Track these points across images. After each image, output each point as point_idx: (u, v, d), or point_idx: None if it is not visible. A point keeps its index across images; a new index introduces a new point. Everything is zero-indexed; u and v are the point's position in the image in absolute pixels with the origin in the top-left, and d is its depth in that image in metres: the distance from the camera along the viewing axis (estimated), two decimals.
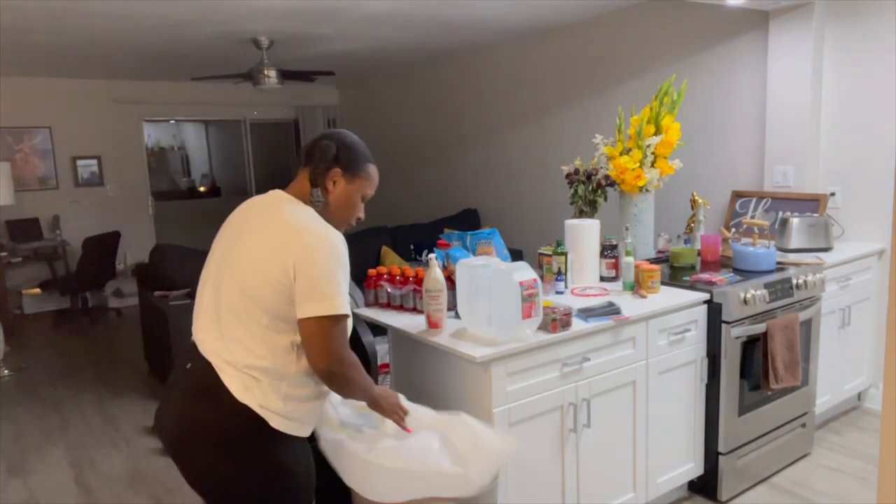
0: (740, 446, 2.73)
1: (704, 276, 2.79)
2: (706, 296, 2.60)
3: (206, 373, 1.56)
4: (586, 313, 2.27)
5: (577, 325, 2.20)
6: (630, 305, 2.42)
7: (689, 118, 4.11)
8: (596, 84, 4.95)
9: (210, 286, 1.64)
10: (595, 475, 2.33)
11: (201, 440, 1.55)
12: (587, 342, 2.22)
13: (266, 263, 1.54)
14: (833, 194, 3.57)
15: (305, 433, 1.64)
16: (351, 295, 5.67)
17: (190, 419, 1.57)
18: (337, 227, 1.66)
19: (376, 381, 2.40)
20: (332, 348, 1.53)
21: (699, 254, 3.16)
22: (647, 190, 3.13)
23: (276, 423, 1.55)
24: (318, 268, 1.52)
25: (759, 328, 2.65)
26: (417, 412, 1.85)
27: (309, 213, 1.61)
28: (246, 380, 1.54)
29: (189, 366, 1.62)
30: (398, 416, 1.78)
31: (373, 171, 1.72)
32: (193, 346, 1.64)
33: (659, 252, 3.34)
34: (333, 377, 1.57)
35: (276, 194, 1.67)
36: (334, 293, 1.52)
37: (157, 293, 4.36)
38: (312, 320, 1.51)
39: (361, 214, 1.74)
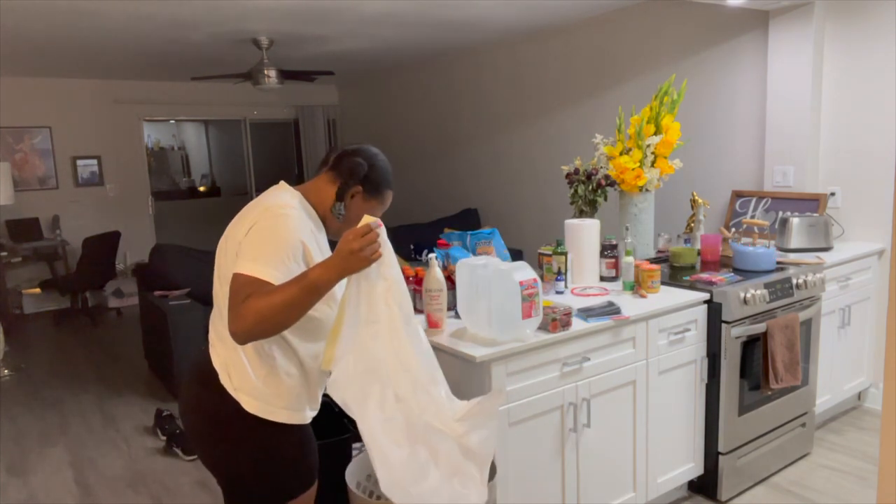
0: (740, 446, 2.73)
1: (704, 275, 2.79)
2: (706, 296, 2.60)
3: (206, 356, 1.63)
4: (586, 313, 2.27)
5: (577, 324, 2.20)
6: (630, 305, 2.42)
7: (689, 118, 4.11)
8: (596, 84, 4.95)
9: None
10: (595, 475, 2.33)
11: (198, 424, 1.64)
12: (587, 342, 2.22)
13: (233, 242, 1.54)
14: (833, 194, 3.57)
15: (289, 419, 1.61)
16: None
17: (189, 403, 1.67)
18: (338, 236, 1.70)
19: None
20: (236, 311, 1.40)
21: (699, 253, 3.16)
22: (647, 190, 3.13)
23: (251, 407, 1.57)
24: (253, 233, 1.49)
25: (759, 328, 2.65)
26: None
27: (286, 195, 1.60)
28: (225, 362, 1.59)
29: (203, 346, 1.70)
30: (366, 249, 1.44)
31: (389, 196, 1.76)
32: None
33: (659, 252, 3.34)
34: (247, 336, 1.41)
35: (279, 185, 1.68)
36: (249, 256, 1.46)
37: (157, 293, 4.36)
38: (235, 276, 1.45)
39: None
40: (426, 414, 1.52)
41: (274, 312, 1.38)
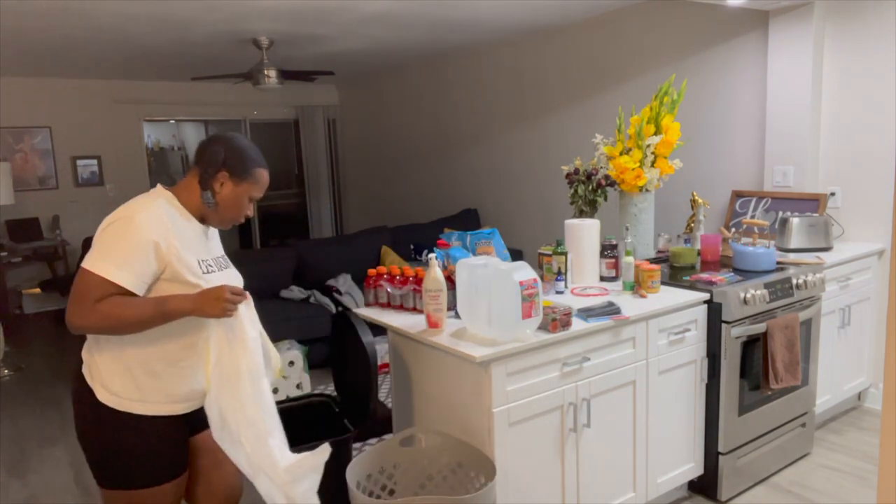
0: (740, 446, 2.73)
1: (704, 275, 2.79)
2: (706, 296, 2.60)
3: None
4: (586, 313, 2.27)
5: (577, 324, 2.20)
6: (630, 305, 2.42)
7: (689, 118, 4.12)
8: (596, 84, 4.95)
9: None
10: (595, 475, 2.33)
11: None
12: (587, 342, 2.22)
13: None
14: (833, 194, 3.57)
15: (136, 409, 1.65)
16: (350, 294, 5.65)
17: None
18: (224, 225, 1.78)
19: (376, 382, 2.40)
20: (88, 308, 1.56)
21: (699, 254, 3.16)
22: (647, 190, 3.13)
23: (101, 396, 1.64)
24: (103, 233, 1.60)
25: (759, 328, 2.65)
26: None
27: (145, 197, 1.68)
28: (85, 354, 1.70)
29: None
30: (228, 304, 1.60)
31: (260, 174, 1.75)
32: None
33: (659, 252, 3.34)
34: (83, 331, 1.60)
35: (154, 189, 1.74)
36: (99, 254, 1.57)
37: None
38: (85, 272, 1.57)
39: (249, 213, 1.80)
40: (260, 460, 1.67)
41: (120, 324, 1.56)
